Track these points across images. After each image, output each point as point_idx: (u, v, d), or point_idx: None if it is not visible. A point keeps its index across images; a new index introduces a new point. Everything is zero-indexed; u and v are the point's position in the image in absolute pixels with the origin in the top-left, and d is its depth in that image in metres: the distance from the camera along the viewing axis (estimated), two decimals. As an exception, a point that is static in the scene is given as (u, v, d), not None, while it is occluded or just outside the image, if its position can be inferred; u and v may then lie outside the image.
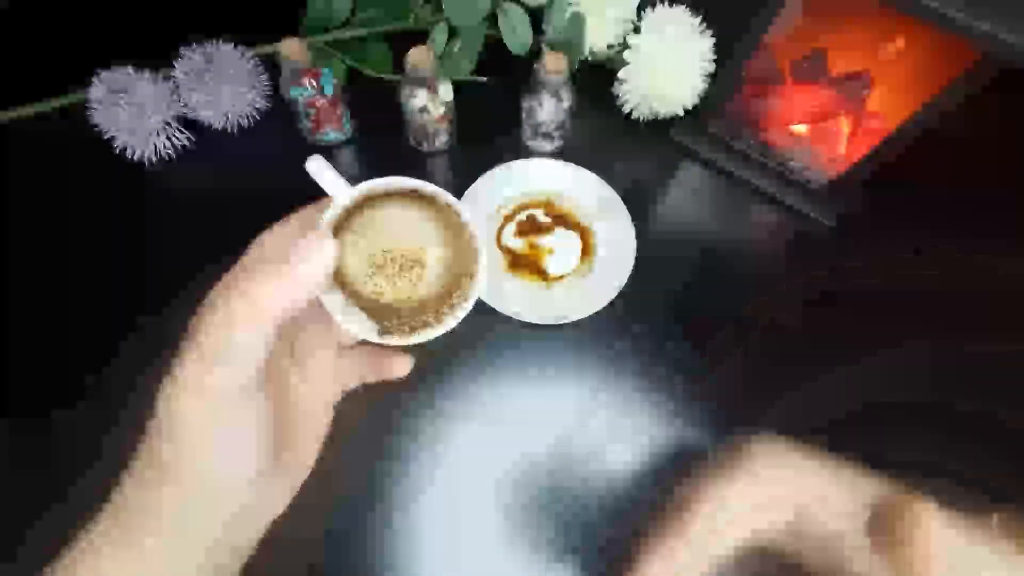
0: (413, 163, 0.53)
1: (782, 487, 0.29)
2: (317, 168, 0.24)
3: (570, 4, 0.51)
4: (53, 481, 0.37)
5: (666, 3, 0.51)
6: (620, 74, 0.52)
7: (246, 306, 0.20)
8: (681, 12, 0.50)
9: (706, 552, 0.29)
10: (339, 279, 0.24)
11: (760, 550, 0.31)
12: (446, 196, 0.24)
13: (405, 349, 0.26)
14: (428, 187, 0.24)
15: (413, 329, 0.25)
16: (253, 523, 0.24)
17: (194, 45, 0.49)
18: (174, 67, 0.49)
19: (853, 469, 0.30)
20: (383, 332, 0.25)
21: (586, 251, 0.50)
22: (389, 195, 0.24)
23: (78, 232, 0.47)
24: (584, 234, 0.50)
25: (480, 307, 0.25)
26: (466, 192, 0.50)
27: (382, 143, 0.54)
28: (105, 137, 0.48)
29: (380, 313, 0.25)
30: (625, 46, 0.51)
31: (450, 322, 0.25)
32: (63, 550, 0.21)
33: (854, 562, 0.28)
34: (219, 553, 0.22)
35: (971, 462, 0.42)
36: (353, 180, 0.24)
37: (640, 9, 0.51)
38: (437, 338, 0.25)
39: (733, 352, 0.47)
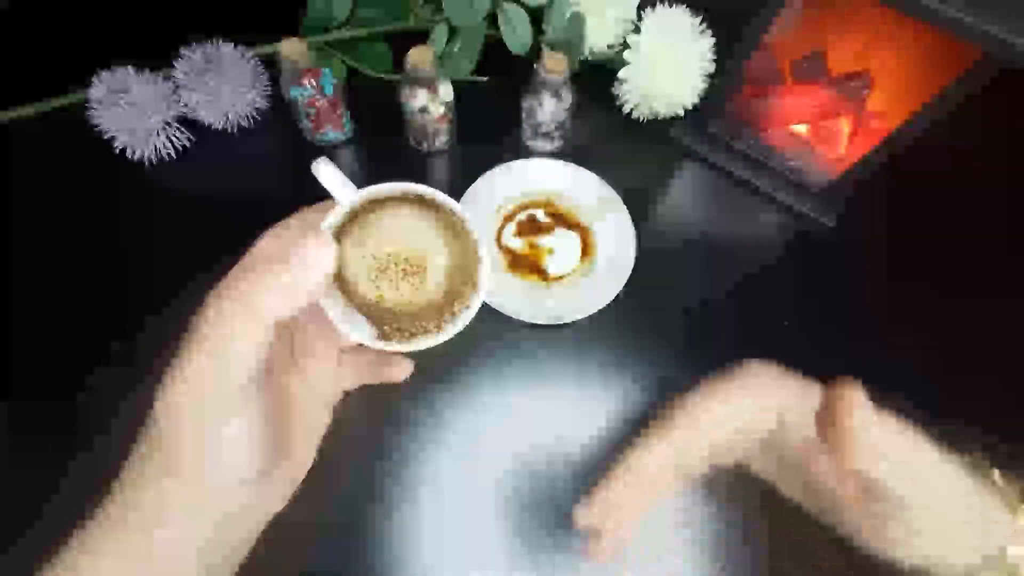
0: (413, 163, 0.53)
1: (767, 396, 0.30)
2: (323, 170, 0.24)
3: (570, 4, 0.51)
4: (51, 479, 0.37)
5: (666, 3, 0.51)
6: (620, 74, 0.52)
7: (244, 310, 0.20)
8: (681, 12, 0.51)
9: (686, 450, 0.30)
10: (340, 281, 0.24)
11: (736, 464, 0.32)
12: (452, 204, 0.24)
13: (405, 353, 0.26)
14: (434, 193, 0.24)
15: (413, 335, 0.25)
16: (249, 523, 0.24)
17: (194, 45, 0.49)
18: (174, 67, 0.49)
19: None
20: (382, 337, 0.25)
21: (586, 251, 0.50)
22: (395, 199, 0.24)
23: (78, 232, 0.47)
24: (584, 234, 0.50)
25: (480, 307, 0.25)
26: (466, 192, 0.50)
27: (382, 143, 0.54)
28: (105, 137, 0.48)
29: (380, 317, 0.25)
30: (625, 46, 0.51)
31: (451, 330, 0.25)
32: (58, 545, 0.21)
33: (824, 477, 0.28)
34: (210, 553, 0.22)
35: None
36: (354, 180, 0.24)
37: (640, 9, 0.51)
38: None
39: (733, 352, 0.47)
